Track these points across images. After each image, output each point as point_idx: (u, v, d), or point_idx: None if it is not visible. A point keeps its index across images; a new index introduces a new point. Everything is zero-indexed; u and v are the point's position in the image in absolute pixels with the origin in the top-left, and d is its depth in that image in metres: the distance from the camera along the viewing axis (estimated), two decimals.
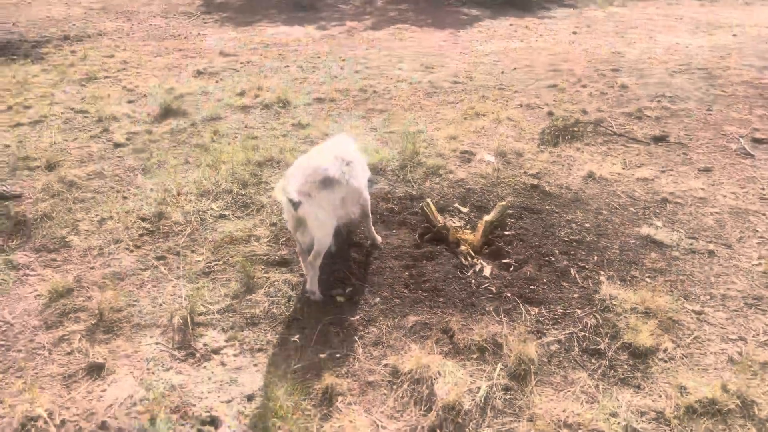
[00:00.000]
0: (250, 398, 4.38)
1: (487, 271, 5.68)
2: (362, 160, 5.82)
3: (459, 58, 13.58)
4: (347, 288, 5.50)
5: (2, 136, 8.97)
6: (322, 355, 4.73)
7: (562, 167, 8.03)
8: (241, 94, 10.86)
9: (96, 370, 4.66)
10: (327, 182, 5.00)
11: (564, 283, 5.56)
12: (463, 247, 6.03)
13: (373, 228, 6.09)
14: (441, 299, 5.33)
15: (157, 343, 4.92)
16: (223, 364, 4.73)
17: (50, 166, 7.92)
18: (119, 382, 4.56)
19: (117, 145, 8.69)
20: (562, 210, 6.87)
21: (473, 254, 5.95)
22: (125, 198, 7.16)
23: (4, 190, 7.09)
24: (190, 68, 12.65)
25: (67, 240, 6.34)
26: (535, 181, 7.54)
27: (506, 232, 6.31)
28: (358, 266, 5.79)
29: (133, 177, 7.65)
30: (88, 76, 11.90)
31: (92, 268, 5.91)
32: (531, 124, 9.51)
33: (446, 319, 5.05)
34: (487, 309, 5.20)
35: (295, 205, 4.89)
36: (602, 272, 5.72)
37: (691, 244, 6.20)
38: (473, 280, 5.58)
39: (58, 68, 12.40)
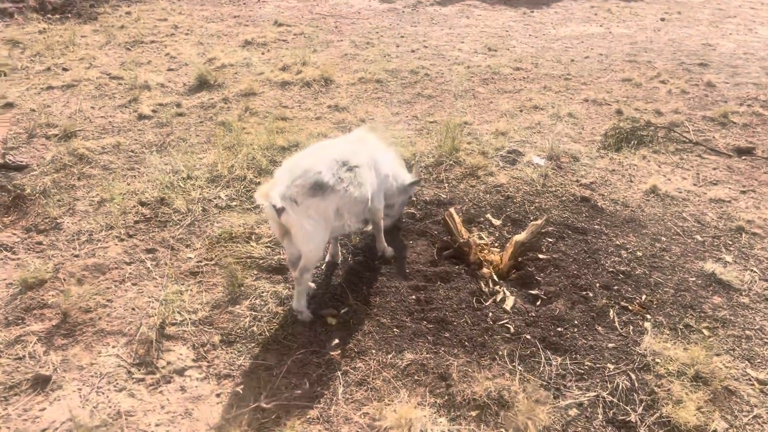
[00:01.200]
0: None
1: (509, 303, 4.81)
2: (385, 161, 5.09)
3: (527, 42, 12.44)
4: (342, 308, 4.76)
5: (31, 99, 8.63)
6: (296, 392, 4.02)
7: (621, 178, 6.97)
8: (284, 68, 10.19)
9: (41, 384, 4.14)
10: (318, 188, 4.25)
11: (599, 328, 4.63)
12: (485, 270, 5.17)
13: (383, 239, 5.30)
14: (447, 334, 4.52)
15: (117, 356, 4.35)
16: (182, 389, 4.11)
17: (66, 136, 7.51)
18: (63, 401, 4.02)
19: (141, 117, 8.20)
20: (612, 232, 5.87)
21: (496, 279, 5.08)
22: (134, 177, 6.62)
23: (9, 160, 6.70)
24: (240, 37, 12.08)
25: (59, 221, 5.87)
26: (587, 193, 6.53)
27: (540, 256, 5.39)
28: (360, 282, 5.03)
29: (148, 154, 7.10)
30: (135, 40, 11.51)
31: (76, 256, 5.40)
32: (594, 123, 8.41)
33: (447, 362, 4.25)
34: (499, 352, 4.36)
35: (278, 211, 4.17)
36: (648, 316, 4.76)
37: (766, 289, 5.11)
38: (490, 313, 4.73)
39: (107, 30, 12.06)
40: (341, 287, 5.00)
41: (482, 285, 5.04)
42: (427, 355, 4.34)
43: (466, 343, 4.45)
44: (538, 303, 4.90)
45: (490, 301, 4.89)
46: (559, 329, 4.61)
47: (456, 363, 4.25)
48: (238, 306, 4.84)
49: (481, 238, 5.66)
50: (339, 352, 4.27)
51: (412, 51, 11.56)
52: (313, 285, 4.98)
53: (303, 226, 4.31)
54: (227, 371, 4.26)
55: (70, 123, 7.75)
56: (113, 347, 4.44)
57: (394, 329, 4.58)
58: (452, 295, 4.90)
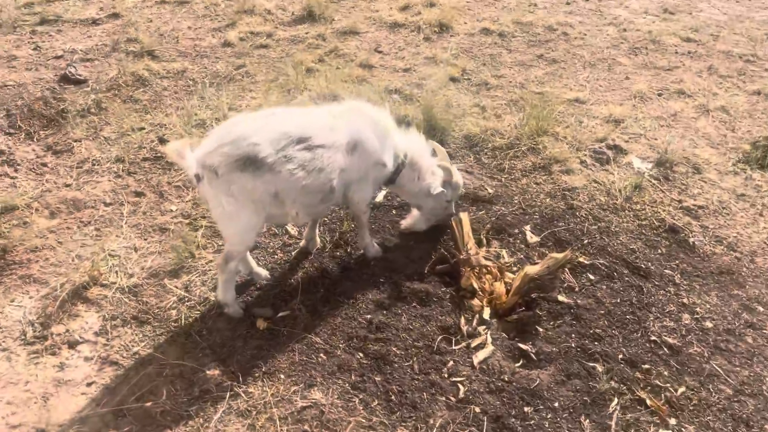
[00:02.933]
0: None
1: (481, 355, 3.68)
2: (382, 145, 3.99)
3: (722, 6, 10.00)
4: (282, 311, 3.93)
5: (139, 13, 8.54)
6: (157, 409, 3.34)
7: (748, 208, 5.19)
8: (405, 8, 9.12)
9: None
10: (249, 163, 3.40)
11: (585, 422, 3.35)
12: (476, 302, 4.01)
13: (368, 235, 4.32)
14: (378, 378, 3.54)
15: (24, 308, 3.95)
16: (60, 367, 3.67)
17: (142, 54, 7.25)
18: None
19: (225, 44, 7.74)
20: (688, 283, 4.34)
21: (486, 317, 3.91)
22: (175, 109, 6.19)
23: (70, 73, 6.59)
24: None
25: (75, 145, 5.61)
26: (684, 221, 4.94)
27: (560, 299, 4.06)
28: (320, 283, 4.18)
29: (202, 86, 6.62)
30: None
31: (67, 186, 5.14)
32: (754, 125, 6.43)
33: (353, 418, 3.28)
34: (429, 421, 3.29)
35: (196, 177, 3.41)
36: (672, 421, 3.35)
37: None
38: (450, 362, 3.64)
39: None
40: (297, 284, 4.13)
41: (462, 320, 3.89)
42: (336, 401, 3.40)
43: (393, 398, 3.43)
44: (520, 363, 3.67)
45: (463, 345, 3.75)
46: (526, 409, 3.40)
47: (361, 422, 3.26)
48: (175, 280, 4.23)
49: (497, 257, 4.42)
50: (217, 372, 3.45)
51: (567, 3, 9.80)
52: (265, 274, 4.19)
53: (221, 204, 3.50)
54: (117, 357, 3.71)
55: (153, 41, 7.48)
56: (30, 297, 4.06)
57: (321, 354, 3.68)
58: (416, 326, 3.84)
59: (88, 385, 3.55)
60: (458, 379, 3.55)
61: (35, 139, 5.81)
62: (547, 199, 5.10)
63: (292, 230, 4.67)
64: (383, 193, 4.99)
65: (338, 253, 4.44)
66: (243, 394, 3.46)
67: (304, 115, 3.78)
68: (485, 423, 3.33)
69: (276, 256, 4.44)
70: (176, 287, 4.15)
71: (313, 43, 7.85)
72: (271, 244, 4.55)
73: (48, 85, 6.58)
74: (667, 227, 4.84)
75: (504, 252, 4.49)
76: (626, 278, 4.33)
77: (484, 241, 4.54)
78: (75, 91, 6.50)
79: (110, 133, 5.82)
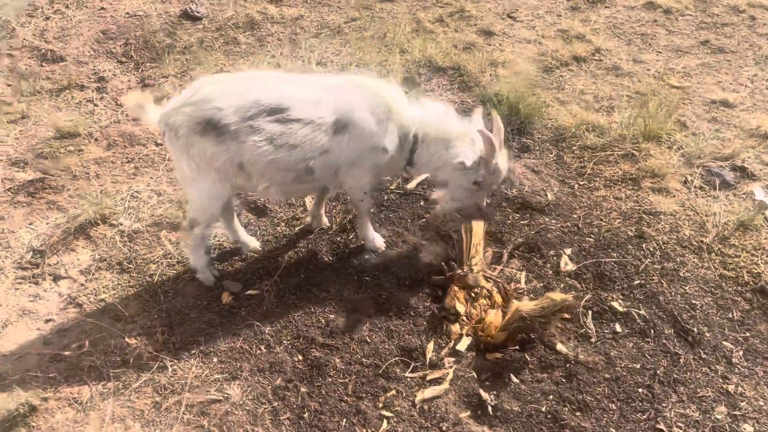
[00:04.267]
0: None
1: (427, 393, 3.14)
2: (384, 128, 3.43)
3: None
4: (251, 289, 3.71)
5: None
6: (86, 364, 3.33)
7: None
8: None
9: None
10: (210, 128, 3.16)
11: None
12: (455, 328, 3.44)
13: (369, 226, 3.89)
14: (304, 389, 3.20)
15: (35, 233, 4.17)
16: (34, 297, 3.78)
17: None
18: None
19: None
20: (748, 367, 3.36)
21: (460, 349, 3.35)
22: (271, 57, 6.09)
23: (190, 9, 6.78)
24: None
25: (161, 81, 5.78)
26: None
27: (558, 347, 3.34)
28: (303, 269, 3.89)
29: (304, 37, 6.43)
30: None
31: (131, 121, 5.28)
32: None
33: (258, 428, 3.00)
34: None
35: (161, 134, 3.28)
36: None
37: None
38: (393, 391, 3.16)
39: None
40: (281, 264, 3.87)
41: (430, 346, 3.36)
42: (248, 402, 3.14)
43: (306, 416, 3.06)
44: (469, 414, 3.07)
45: (418, 374, 3.24)
46: None
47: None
48: (173, 233, 4.16)
49: (509, 279, 3.74)
50: (135, 341, 3.31)
51: None
52: (254, 245, 3.97)
53: (182, 166, 3.31)
54: (84, 300, 3.76)
55: None
56: (46, 224, 4.26)
57: (262, 347, 3.41)
58: (374, 339, 3.39)
59: (47, 321, 3.62)
60: (387, 413, 3.04)
61: (140, 71, 6.03)
62: (617, 221, 4.20)
63: (310, 203, 4.34)
64: (420, 178, 4.44)
65: (339, 239, 4.04)
66: (170, 369, 3.29)
67: (291, 83, 3.37)
68: None
69: (278, 229, 4.17)
70: (169, 241, 4.08)
71: (441, 1, 7.22)
72: (281, 214, 4.28)
73: (169, 19, 6.78)
74: (758, 287, 3.72)
75: (522, 275, 3.77)
76: (665, 340, 3.42)
77: (505, 257, 3.84)
78: (189, 27, 6.63)
79: (197, 74, 5.84)
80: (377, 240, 3.91)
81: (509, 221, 4.14)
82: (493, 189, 3.75)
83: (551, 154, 4.83)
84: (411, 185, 4.42)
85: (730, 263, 3.89)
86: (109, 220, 4.25)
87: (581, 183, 4.55)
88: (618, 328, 3.48)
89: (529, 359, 3.30)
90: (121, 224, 4.23)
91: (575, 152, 4.84)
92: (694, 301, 3.63)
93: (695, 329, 3.47)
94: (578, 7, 7.09)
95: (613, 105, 5.39)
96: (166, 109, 3.19)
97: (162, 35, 6.40)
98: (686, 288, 3.72)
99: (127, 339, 3.32)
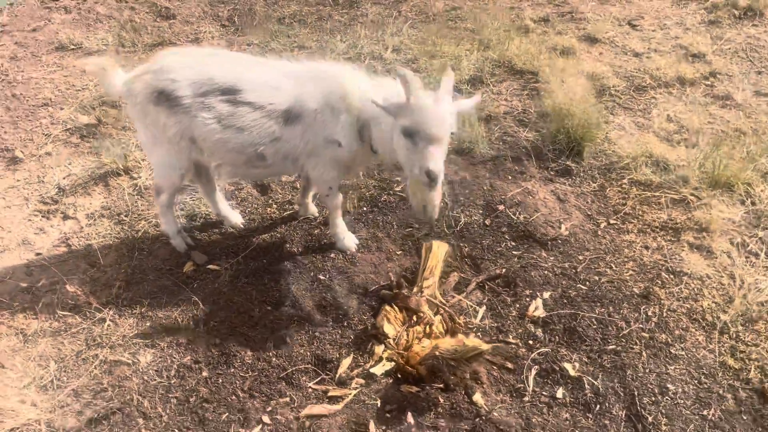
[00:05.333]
0: None
1: (315, 410, 3.02)
2: (339, 120, 3.22)
3: None
4: (213, 263, 3.79)
5: None
6: (47, 301, 3.64)
7: None
8: None
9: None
10: (162, 98, 3.24)
11: None
12: (379, 349, 3.25)
13: (338, 224, 3.78)
14: (205, 373, 3.21)
15: (67, 173, 4.58)
16: (38, 230, 4.17)
17: None
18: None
19: None
20: None
21: (374, 372, 3.17)
22: (353, 38, 6.08)
23: None
24: None
25: (245, 49, 6.02)
26: None
27: (475, 398, 3.01)
28: (268, 253, 3.84)
29: (395, 22, 6.30)
30: None
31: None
32: None
33: (144, 399, 3.10)
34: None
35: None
36: None
37: None
38: (287, 398, 3.09)
39: None
40: (251, 246, 3.89)
41: (347, 361, 3.21)
42: (151, 374, 3.21)
43: (191, 400, 3.08)
44: None
45: (322, 388, 3.12)
46: None
47: (139, 406, 3.03)
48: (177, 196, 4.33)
49: (460, 311, 3.41)
50: (74, 289, 3.49)
51: None
52: (236, 221, 4.03)
53: (140, 133, 3.44)
54: (74, 241, 4.10)
55: None
56: (81, 167, 4.63)
57: (191, 322, 3.45)
58: (296, 341, 3.31)
59: (37, 254, 3.95)
60: (267, 420, 2.95)
61: (236, 35, 6.31)
62: (628, 273, 3.65)
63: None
64: None
65: (318, 231, 3.95)
66: (106, 323, 3.46)
67: (252, 65, 3.31)
68: None
69: (268, 210, 4.17)
70: (191, 197, 4.24)
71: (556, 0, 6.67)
72: (279, 196, 4.26)
73: None
74: (761, 387, 3.04)
75: (481, 311, 3.41)
76: (608, 421, 2.93)
77: (471, 287, 3.50)
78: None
79: (276, 45, 5.98)
80: (347, 240, 3.75)
81: (499, 248, 3.76)
82: (426, 143, 2.85)
83: (593, 183, 4.29)
84: None
85: (741, 351, 3.21)
86: (131, 173, 4.50)
87: (611, 222, 3.99)
88: (560, 393, 3.03)
89: (441, 402, 2.98)
90: (138, 178, 4.45)
91: (622, 186, 4.25)
92: (669, 386, 3.05)
93: (651, 417, 2.91)
94: (718, 21, 6.18)
95: (694, 140, 4.64)
96: (130, 75, 3.28)
97: (263, 4, 6.58)
98: (669, 368, 3.13)
99: (67, 286, 3.49)
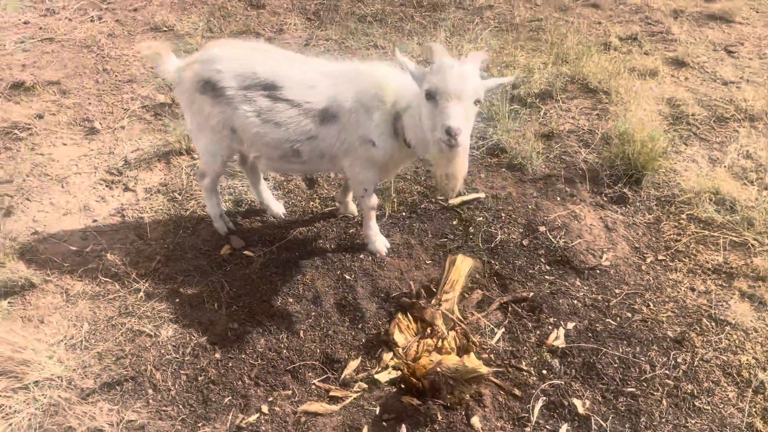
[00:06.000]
0: None
1: (312, 408, 3.08)
2: (373, 119, 3.23)
3: None
4: (249, 249, 3.92)
5: None
6: (94, 266, 3.90)
7: None
8: None
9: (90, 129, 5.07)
10: (208, 87, 3.37)
11: None
12: (387, 356, 3.27)
13: (371, 226, 3.80)
14: (218, 355, 3.34)
15: (136, 146, 4.86)
16: (100, 199, 4.46)
17: None
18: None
19: None
20: None
21: (378, 379, 3.20)
22: (428, 39, 6.09)
23: None
24: None
25: (309, 42, 6.17)
26: None
27: (473, 420, 2.97)
28: (301, 247, 3.93)
29: (475, 31, 6.23)
30: None
31: None
32: None
33: (153, 378, 3.27)
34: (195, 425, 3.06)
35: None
36: None
37: None
38: (288, 392, 3.16)
39: None
40: (288, 237, 4.00)
41: (354, 363, 3.24)
42: (169, 346, 3.37)
43: (200, 378, 3.20)
44: None
45: (325, 387, 3.18)
46: None
47: (148, 391, 3.19)
48: (230, 179, 4.52)
49: (477, 330, 3.36)
50: (113, 257, 3.70)
51: None
52: (278, 211, 4.15)
53: (187, 119, 3.61)
54: (129, 211, 4.32)
55: None
56: (149, 144, 4.91)
57: (215, 304, 3.60)
58: (308, 336, 3.37)
59: (94, 221, 4.22)
60: (265, 409, 3.02)
61: (319, 29, 6.45)
62: (666, 314, 3.46)
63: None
64: (467, 197, 4.12)
65: (353, 231, 3.99)
66: (140, 294, 3.64)
67: (293, 63, 3.38)
68: None
69: (311, 204, 4.25)
70: (220, 186, 4.41)
71: (651, 18, 6.37)
72: (324, 192, 4.34)
73: None
74: None
75: (499, 332, 3.33)
76: None
77: (493, 306, 3.43)
78: None
79: (351, 43, 6.06)
80: (379, 243, 3.76)
81: (531, 270, 3.65)
82: (445, 101, 2.77)
83: (649, 215, 4.08)
84: (454, 200, 4.10)
85: None
86: (192, 153, 4.70)
87: (660, 257, 3.79)
88: (563, 429, 2.91)
89: (439, 419, 2.95)
90: (197, 159, 4.64)
91: (680, 222, 4.02)
92: None
93: None
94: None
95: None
96: (182, 62, 3.43)
97: (348, 1, 6.67)
98: (690, 421, 2.94)
99: (108, 255, 3.70)
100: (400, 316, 3.25)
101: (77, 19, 6.58)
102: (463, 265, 3.40)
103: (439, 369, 2.87)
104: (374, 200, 3.62)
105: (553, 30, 6.00)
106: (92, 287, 3.70)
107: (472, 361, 2.83)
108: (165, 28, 6.32)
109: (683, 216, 4.05)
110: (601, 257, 3.74)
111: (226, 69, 3.27)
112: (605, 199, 4.17)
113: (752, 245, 3.79)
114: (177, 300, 3.58)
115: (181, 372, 3.19)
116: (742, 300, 3.50)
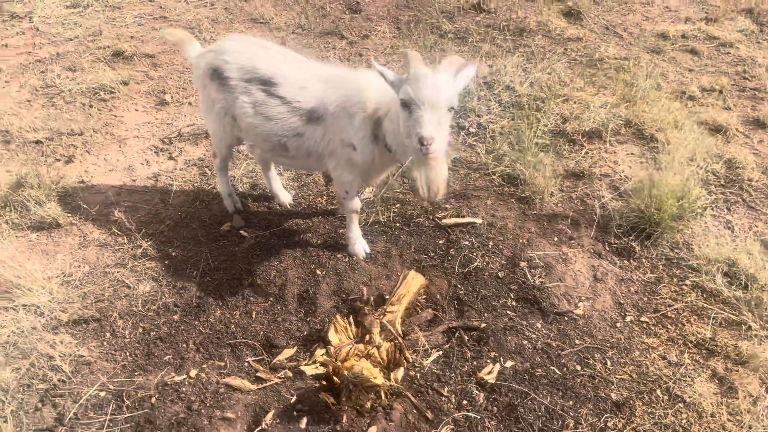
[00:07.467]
0: None
1: (234, 382, 3.32)
2: (353, 125, 3.39)
3: None
4: (251, 232, 4.21)
5: None
6: (112, 218, 4.40)
7: None
8: None
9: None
10: (215, 75, 3.71)
11: None
12: (319, 353, 3.43)
13: (352, 228, 3.95)
14: (175, 317, 3.67)
15: (190, 121, 5.36)
16: (145, 162, 4.97)
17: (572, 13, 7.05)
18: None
19: (662, 36, 6.69)
20: None
21: (304, 370, 3.38)
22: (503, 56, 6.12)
23: (482, 0, 7.09)
24: None
25: (372, 55, 6.39)
26: None
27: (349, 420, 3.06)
28: (295, 238, 4.16)
29: (549, 60, 6.16)
30: None
31: None
32: None
33: (137, 327, 3.67)
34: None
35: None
36: None
37: None
38: (221, 363, 3.42)
39: None
40: (285, 225, 4.26)
41: (289, 351, 3.43)
42: (139, 300, 3.75)
43: (152, 333, 3.54)
44: (239, 419, 3.13)
45: (254, 364, 3.40)
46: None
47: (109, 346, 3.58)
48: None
49: (414, 347, 3.40)
50: (121, 215, 4.12)
51: None
52: (284, 200, 4.41)
53: (199, 99, 3.99)
54: (163, 179, 4.75)
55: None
56: (201, 119, 5.38)
57: (194, 272, 3.93)
58: (258, 318, 3.60)
59: (132, 180, 4.71)
60: (192, 373, 3.28)
61: (402, 39, 6.66)
62: (619, 375, 3.30)
63: (368, 192, 4.48)
64: (461, 220, 4.14)
65: (343, 232, 4.14)
66: (140, 251, 4.05)
67: (292, 63, 3.60)
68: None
69: (319, 199, 4.46)
70: (246, 164, 4.75)
71: (749, 73, 5.94)
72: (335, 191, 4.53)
73: (460, 4, 7.12)
74: None
75: (435, 355, 3.36)
76: None
77: (440, 329, 3.46)
78: (468, 17, 6.92)
79: (395, 58, 6.19)
80: (358, 246, 3.89)
81: (495, 303, 3.60)
82: (418, 109, 2.89)
83: (650, 273, 3.88)
84: (448, 220, 4.12)
85: None
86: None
87: (642, 319, 3.60)
88: None
89: (343, 421, 3.03)
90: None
91: (682, 287, 3.78)
92: None
93: None
94: None
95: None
96: (199, 49, 3.77)
97: (440, 16, 6.80)
98: None
99: (116, 212, 4.13)
100: (338, 317, 3.35)
101: (193, 2, 7.24)
102: (413, 282, 3.44)
103: (345, 372, 2.94)
104: (356, 203, 3.74)
105: (636, 70, 5.74)
106: (105, 237, 4.13)
107: (370, 370, 2.88)
108: (262, 21, 6.79)
109: (687, 282, 3.79)
110: (576, 305, 3.60)
111: (233, 60, 3.55)
112: (607, 248, 3.99)
113: (752, 326, 3.47)
114: (166, 262, 3.92)
115: (140, 325, 3.51)
116: (711, 380, 3.24)
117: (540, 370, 3.25)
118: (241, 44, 3.64)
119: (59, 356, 3.29)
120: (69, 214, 4.25)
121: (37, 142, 4.96)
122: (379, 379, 2.88)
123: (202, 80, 3.71)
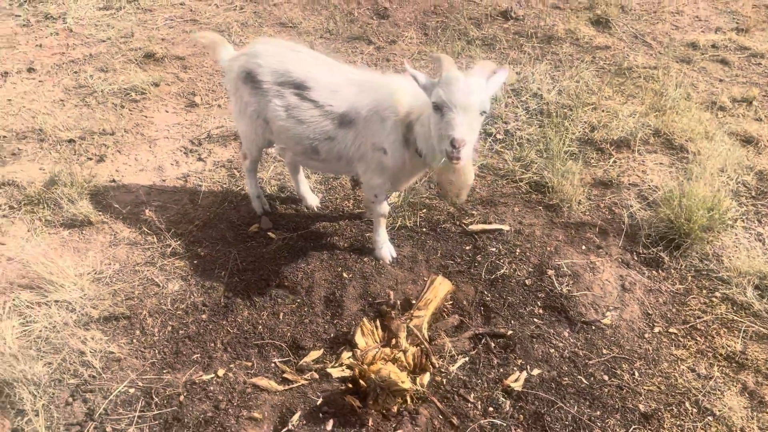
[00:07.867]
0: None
1: (261, 383, 3.35)
2: (384, 130, 3.42)
3: None
4: (274, 231, 4.26)
5: None
6: (142, 216, 4.47)
7: None
8: None
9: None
10: (248, 78, 3.75)
11: None
12: (346, 355, 3.45)
13: (380, 232, 3.97)
14: (204, 316, 3.72)
15: (219, 123, 5.43)
16: (174, 163, 5.04)
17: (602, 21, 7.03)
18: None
19: (692, 45, 6.65)
20: None
21: (330, 372, 3.40)
22: (524, 66, 6.12)
23: (510, 8, 7.10)
24: None
25: (400, 60, 6.41)
26: None
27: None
28: (322, 241, 4.19)
29: (575, 69, 6.13)
30: None
31: None
32: None
33: (158, 323, 3.72)
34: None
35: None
36: None
37: None
38: (245, 363, 3.46)
39: None
40: (313, 228, 4.29)
41: (316, 353, 3.46)
42: (168, 299, 3.80)
43: (181, 331, 3.59)
44: (264, 419, 3.16)
45: (282, 367, 3.44)
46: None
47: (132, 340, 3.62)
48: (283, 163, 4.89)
49: (441, 353, 3.40)
50: (151, 214, 4.17)
51: None
52: (312, 203, 4.44)
53: (232, 104, 4.04)
54: (192, 179, 4.81)
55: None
56: (230, 122, 5.45)
57: (222, 272, 3.97)
58: (285, 320, 3.63)
59: (162, 180, 4.78)
60: (220, 373, 3.31)
61: (429, 45, 6.68)
62: (648, 387, 3.28)
63: (394, 198, 4.49)
64: (488, 227, 4.13)
65: (370, 235, 4.16)
66: (169, 250, 4.10)
67: (324, 67, 3.63)
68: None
69: (346, 203, 4.49)
70: (270, 170, 4.79)
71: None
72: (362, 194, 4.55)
73: (488, 11, 7.13)
74: None
75: (461, 361, 3.36)
76: None
77: (466, 335, 3.46)
78: (496, 24, 6.93)
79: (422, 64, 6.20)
80: (385, 250, 3.90)
81: (522, 310, 3.60)
82: (450, 112, 2.90)
83: (679, 284, 3.84)
84: (474, 226, 4.12)
85: None
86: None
87: (671, 330, 3.57)
88: None
89: (369, 425, 3.04)
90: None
91: (711, 299, 3.74)
92: None
93: None
94: None
95: None
96: (232, 52, 3.82)
97: (469, 23, 6.81)
98: None
99: (146, 212, 4.19)
100: (365, 320, 3.37)
101: (223, 6, 7.33)
102: (441, 287, 3.44)
103: (372, 375, 2.95)
104: (384, 207, 3.76)
105: (665, 80, 5.70)
106: (135, 235, 4.19)
107: (398, 375, 2.89)
108: (290, 25, 6.86)
109: (717, 294, 3.75)
110: (603, 315, 3.58)
111: (265, 64, 3.59)
112: (636, 258, 3.96)
113: None
114: (195, 262, 3.96)
115: (169, 323, 3.55)
116: (741, 394, 3.20)
117: (567, 378, 3.24)
118: (273, 47, 3.68)
119: (90, 352, 3.34)
120: (100, 213, 4.30)
121: (70, 141, 5.03)
122: (406, 383, 2.88)
123: (234, 83, 3.75)
